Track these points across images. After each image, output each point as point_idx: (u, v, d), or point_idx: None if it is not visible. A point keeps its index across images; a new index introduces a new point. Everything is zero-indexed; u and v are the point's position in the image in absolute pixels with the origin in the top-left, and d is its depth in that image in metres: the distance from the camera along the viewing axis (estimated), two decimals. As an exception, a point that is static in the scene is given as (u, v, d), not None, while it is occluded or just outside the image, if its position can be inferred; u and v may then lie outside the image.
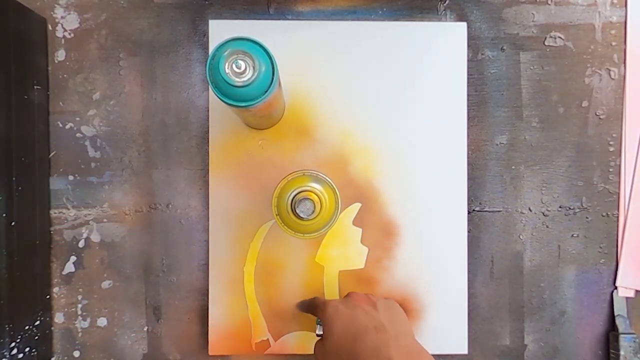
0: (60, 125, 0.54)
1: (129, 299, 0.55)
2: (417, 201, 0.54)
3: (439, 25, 0.55)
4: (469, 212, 0.55)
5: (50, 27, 0.54)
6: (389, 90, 0.54)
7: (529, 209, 0.56)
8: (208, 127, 0.54)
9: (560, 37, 0.55)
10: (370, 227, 0.54)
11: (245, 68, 0.36)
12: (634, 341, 0.54)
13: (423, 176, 0.54)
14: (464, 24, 0.54)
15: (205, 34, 0.54)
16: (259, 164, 0.54)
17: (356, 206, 0.54)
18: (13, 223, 0.48)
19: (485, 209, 0.56)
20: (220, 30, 0.53)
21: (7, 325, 0.47)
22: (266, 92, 0.37)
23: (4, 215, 0.47)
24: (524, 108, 0.56)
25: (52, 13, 0.54)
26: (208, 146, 0.54)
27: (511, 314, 0.56)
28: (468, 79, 0.55)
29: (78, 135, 0.54)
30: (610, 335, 0.55)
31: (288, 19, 0.55)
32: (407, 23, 0.55)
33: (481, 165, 0.56)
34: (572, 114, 0.56)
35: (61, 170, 0.54)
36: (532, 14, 0.55)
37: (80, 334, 0.55)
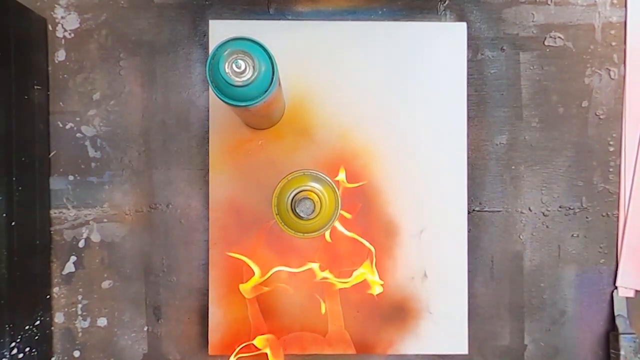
0: (60, 125, 0.54)
1: (129, 299, 0.55)
2: (417, 201, 0.54)
3: (439, 25, 0.55)
4: (469, 212, 0.55)
5: (50, 27, 0.54)
6: (388, 90, 0.54)
7: (529, 209, 0.56)
8: (208, 127, 0.54)
9: (560, 37, 0.55)
10: (370, 227, 0.54)
11: (245, 68, 0.36)
12: (634, 341, 0.53)
13: (423, 176, 0.54)
14: (463, 24, 0.54)
15: (205, 34, 0.54)
16: (259, 164, 0.54)
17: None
18: (13, 223, 0.48)
19: (485, 209, 0.56)
20: (220, 30, 0.53)
21: (7, 325, 0.47)
22: (266, 92, 0.37)
23: (4, 215, 0.47)
24: (524, 108, 0.55)
25: (52, 13, 0.54)
26: (208, 146, 0.54)
27: (511, 314, 0.55)
28: (468, 79, 0.55)
29: (78, 135, 0.54)
30: (610, 335, 0.55)
31: (288, 19, 0.55)
32: (407, 23, 0.55)
33: (481, 165, 0.56)
34: (572, 114, 0.56)
35: (61, 170, 0.54)
36: (532, 14, 0.55)
37: (80, 334, 0.55)
